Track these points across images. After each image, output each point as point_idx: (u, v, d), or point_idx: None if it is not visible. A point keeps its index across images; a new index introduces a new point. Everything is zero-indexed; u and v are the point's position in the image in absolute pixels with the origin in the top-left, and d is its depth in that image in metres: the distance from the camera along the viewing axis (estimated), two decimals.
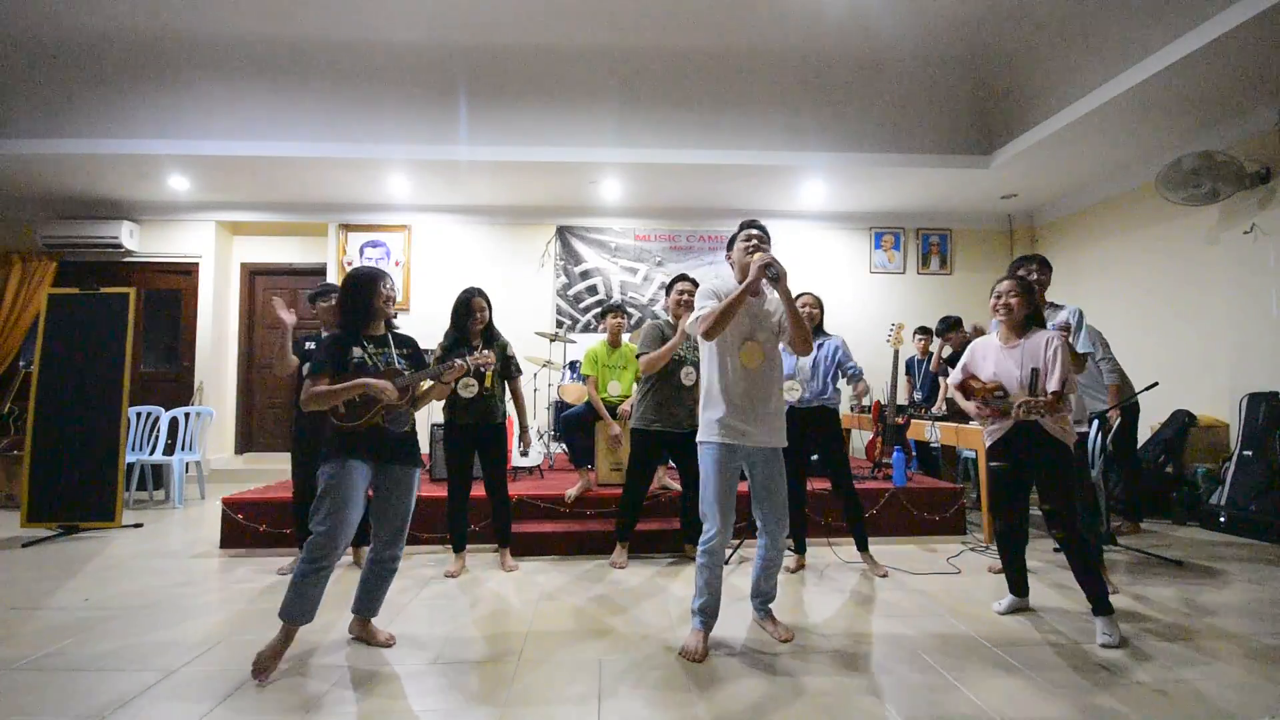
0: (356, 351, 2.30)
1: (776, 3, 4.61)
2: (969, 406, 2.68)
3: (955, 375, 2.80)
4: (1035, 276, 3.15)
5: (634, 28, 4.87)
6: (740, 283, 2.33)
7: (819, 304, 3.43)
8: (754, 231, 2.39)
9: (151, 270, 6.40)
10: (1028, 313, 2.63)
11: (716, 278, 2.48)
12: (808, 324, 3.07)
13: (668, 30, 4.89)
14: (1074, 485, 2.60)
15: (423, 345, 2.59)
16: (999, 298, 2.65)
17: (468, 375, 2.82)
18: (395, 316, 2.50)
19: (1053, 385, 2.46)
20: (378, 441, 2.29)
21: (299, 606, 2.13)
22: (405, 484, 2.35)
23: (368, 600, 2.37)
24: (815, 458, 3.47)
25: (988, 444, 2.73)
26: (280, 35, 4.91)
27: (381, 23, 4.80)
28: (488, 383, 3.25)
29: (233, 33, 4.87)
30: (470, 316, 3.20)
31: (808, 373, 3.31)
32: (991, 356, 2.68)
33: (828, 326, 3.51)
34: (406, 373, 2.36)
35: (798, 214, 6.57)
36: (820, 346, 3.31)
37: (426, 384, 2.47)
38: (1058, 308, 3.18)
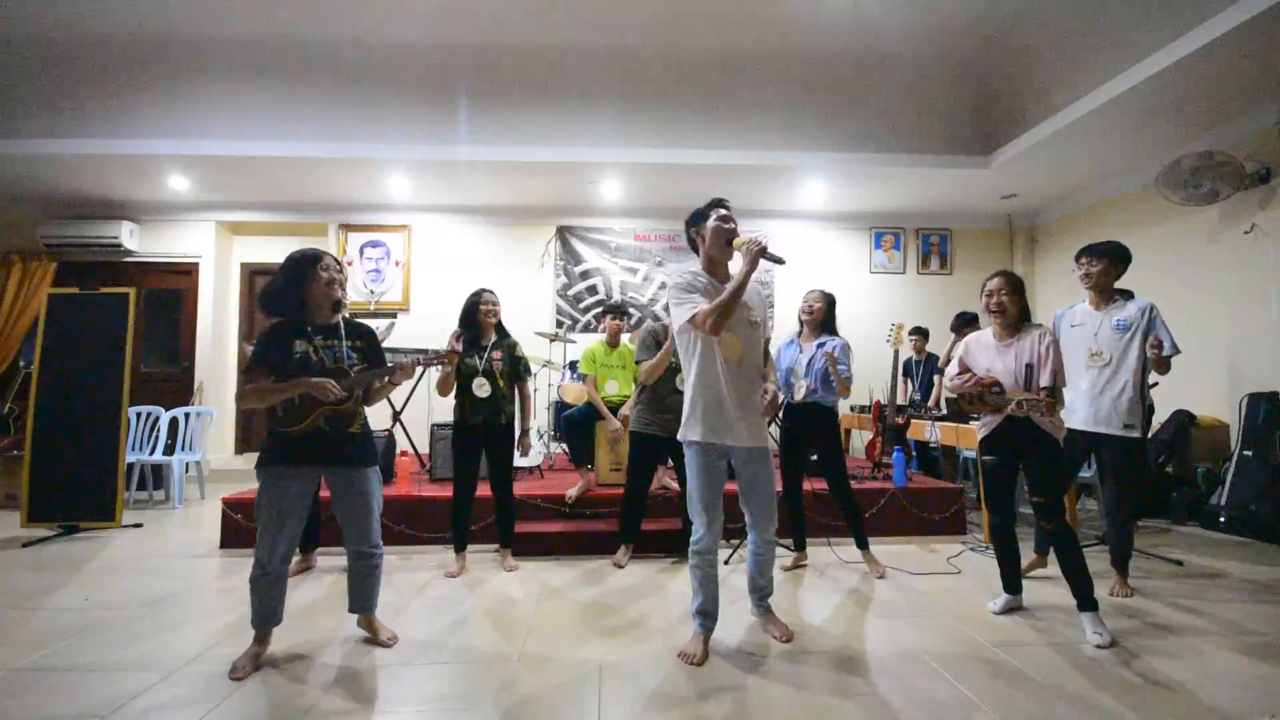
0: (300, 344, 2.12)
1: (776, 3, 4.61)
2: (962, 396, 2.68)
3: (951, 370, 2.81)
4: (1086, 270, 2.98)
5: (634, 28, 4.86)
6: (710, 271, 2.28)
7: (823, 299, 3.31)
8: (726, 212, 2.28)
9: (151, 270, 6.40)
10: (1020, 308, 2.64)
11: (683, 276, 2.25)
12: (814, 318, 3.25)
13: (668, 30, 4.89)
14: (1064, 479, 2.62)
15: (426, 345, 2.54)
16: (990, 296, 2.66)
17: (422, 374, 2.62)
18: (344, 303, 2.27)
19: (1044, 380, 2.51)
20: (321, 444, 2.15)
21: (261, 612, 2.15)
22: (358, 485, 2.22)
23: (358, 598, 2.35)
24: (814, 457, 3.46)
25: (980, 436, 2.75)
26: (280, 35, 4.91)
27: (381, 23, 4.80)
28: (500, 381, 3.24)
29: (233, 33, 4.87)
30: (477, 311, 3.24)
31: (803, 368, 3.26)
32: (986, 353, 2.70)
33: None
34: (355, 370, 2.19)
35: (798, 214, 6.58)
36: (821, 345, 3.25)
37: (378, 382, 2.29)
38: (1127, 296, 2.97)
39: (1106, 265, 2.92)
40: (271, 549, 2.12)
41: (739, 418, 2.22)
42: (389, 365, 2.29)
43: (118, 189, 5.86)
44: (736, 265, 2.21)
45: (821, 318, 3.29)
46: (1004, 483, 2.71)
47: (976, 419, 2.73)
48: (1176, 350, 2.85)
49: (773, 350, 3.30)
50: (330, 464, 2.20)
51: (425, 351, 4.53)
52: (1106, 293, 2.97)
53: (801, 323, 3.35)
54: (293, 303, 2.17)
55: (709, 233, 2.27)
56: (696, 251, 2.37)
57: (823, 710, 1.90)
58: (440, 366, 2.74)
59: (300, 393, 2.08)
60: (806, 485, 3.40)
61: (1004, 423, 2.62)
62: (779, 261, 2.17)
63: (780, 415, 3.41)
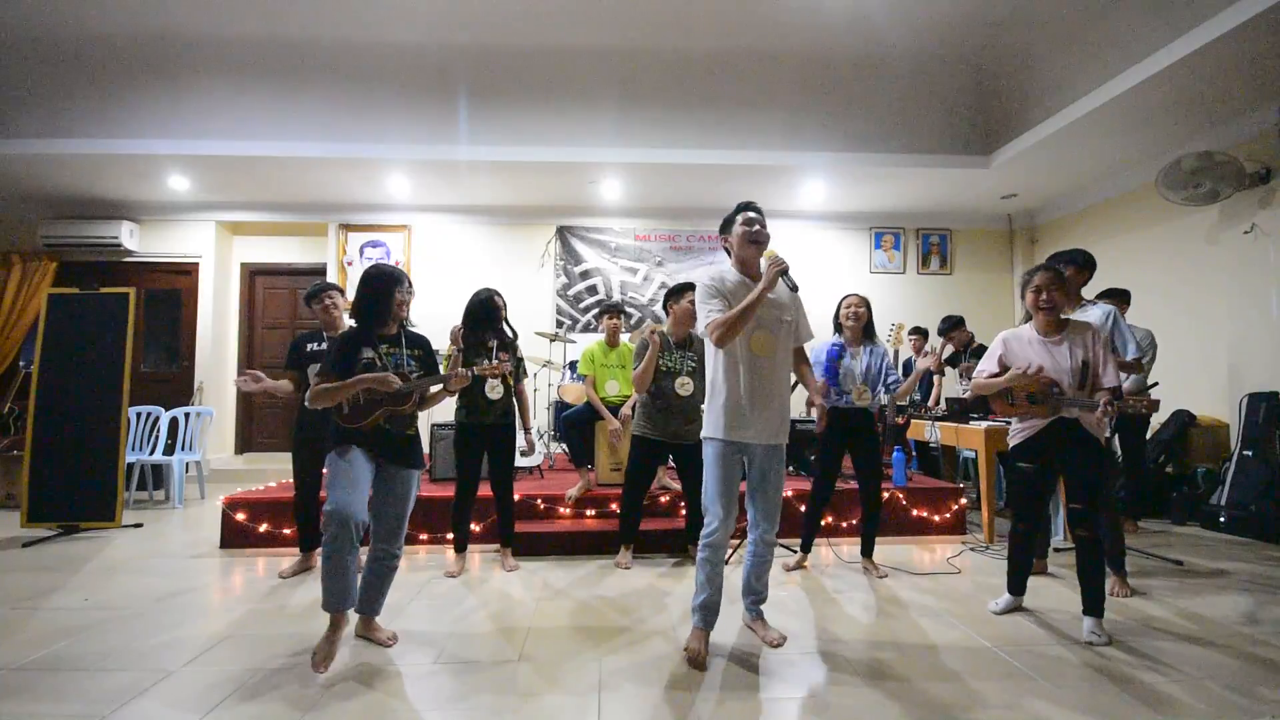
0: (367, 352, 2.32)
1: (776, 3, 4.61)
2: (1030, 395, 2.51)
3: (987, 367, 2.66)
4: (1069, 274, 2.98)
5: (634, 28, 4.87)
6: (743, 272, 2.31)
7: (866, 304, 3.31)
8: (753, 215, 2.30)
9: (151, 270, 6.40)
10: (1063, 303, 2.54)
11: (713, 278, 2.30)
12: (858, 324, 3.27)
13: (668, 30, 4.89)
14: (1104, 484, 2.53)
15: None
16: (1038, 292, 2.49)
17: (473, 380, 2.76)
18: (407, 319, 2.50)
19: (1109, 380, 2.39)
20: (380, 442, 2.31)
21: (335, 594, 2.17)
22: (403, 484, 2.36)
23: (369, 598, 2.37)
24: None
25: (1015, 442, 2.61)
26: (280, 35, 4.91)
27: (381, 23, 4.80)
28: (510, 382, 3.28)
29: (233, 33, 4.87)
30: (489, 316, 3.24)
31: (856, 374, 3.21)
32: (1032, 350, 2.53)
33: (830, 326, 3.47)
34: (415, 376, 2.36)
35: (798, 214, 6.58)
36: (872, 352, 3.24)
37: (435, 388, 2.46)
38: (1123, 297, 3.07)
39: (1073, 273, 2.95)
40: (342, 516, 2.09)
41: (759, 415, 2.24)
42: (445, 374, 2.43)
43: (118, 189, 5.86)
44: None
45: (866, 321, 3.30)
46: (1040, 490, 2.59)
47: (1022, 421, 2.58)
48: (1139, 354, 2.85)
49: (819, 355, 3.29)
50: (386, 460, 2.33)
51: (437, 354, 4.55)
52: (1073, 298, 3.01)
53: (844, 327, 3.30)
54: (381, 314, 2.36)
55: (736, 237, 2.33)
56: (730, 255, 2.41)
57: (823, 708, 1.90)
58: (492, 376, 2.86)
59: (364, 387, 2.23)
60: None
61: (1048, 426, 2.49)
62: (793, 288, 2.30)
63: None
